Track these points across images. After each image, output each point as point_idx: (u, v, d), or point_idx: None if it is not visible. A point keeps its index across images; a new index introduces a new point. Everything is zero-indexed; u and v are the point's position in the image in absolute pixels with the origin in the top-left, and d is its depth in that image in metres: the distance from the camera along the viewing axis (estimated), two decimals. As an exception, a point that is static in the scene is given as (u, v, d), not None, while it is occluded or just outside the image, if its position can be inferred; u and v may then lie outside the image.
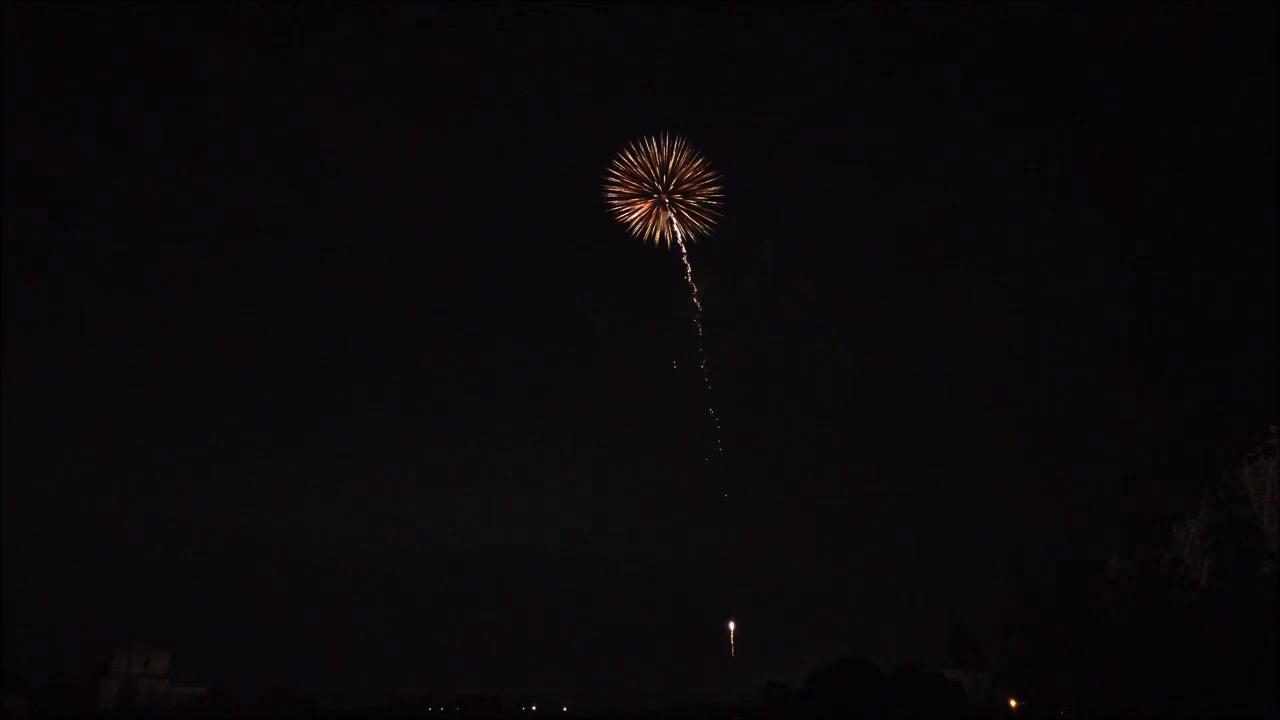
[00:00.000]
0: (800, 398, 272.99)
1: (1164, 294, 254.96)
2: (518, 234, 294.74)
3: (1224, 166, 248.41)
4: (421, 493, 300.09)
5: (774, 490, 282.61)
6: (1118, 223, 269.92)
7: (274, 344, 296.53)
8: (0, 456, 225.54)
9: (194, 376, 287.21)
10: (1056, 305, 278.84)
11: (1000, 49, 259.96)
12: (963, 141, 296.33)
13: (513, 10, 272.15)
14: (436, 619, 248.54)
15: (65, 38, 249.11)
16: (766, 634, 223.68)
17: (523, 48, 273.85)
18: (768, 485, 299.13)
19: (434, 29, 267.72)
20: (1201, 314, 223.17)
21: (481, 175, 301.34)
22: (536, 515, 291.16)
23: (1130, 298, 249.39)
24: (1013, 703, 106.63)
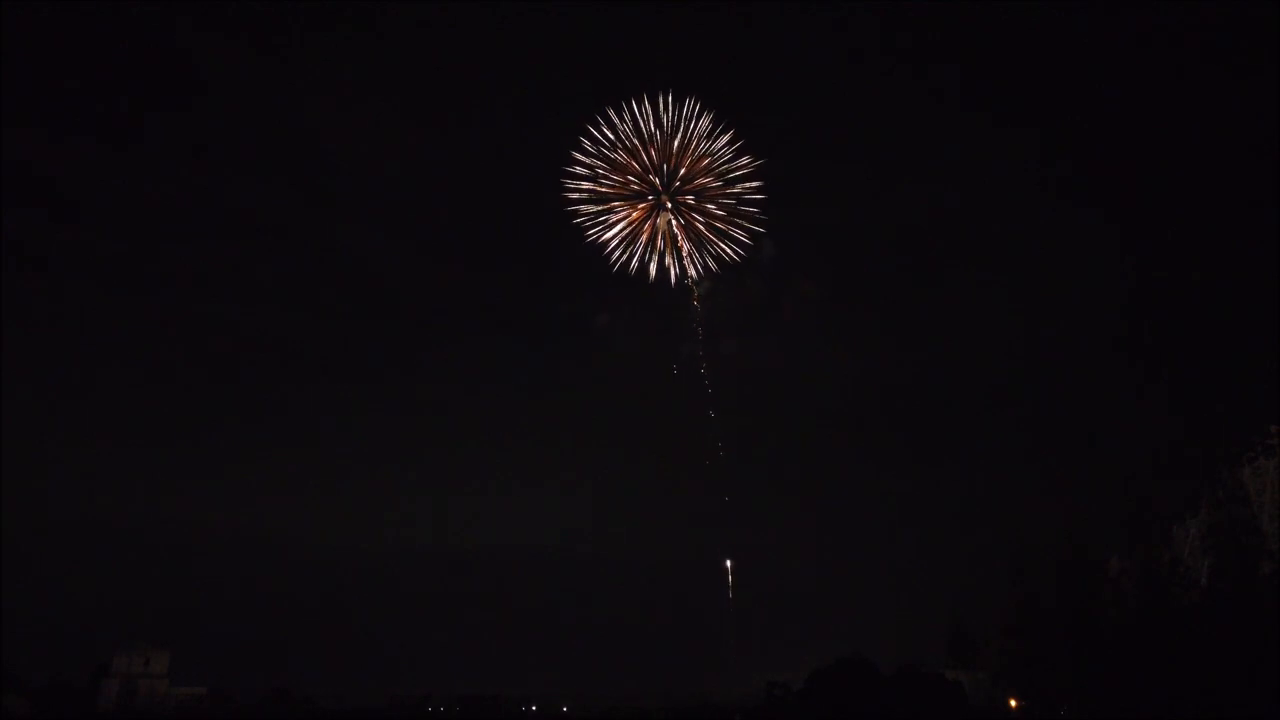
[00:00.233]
0: (800, 398, 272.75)
1: (1164, 294, 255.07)
2: (518, 234, 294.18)
3: (1224, 166, 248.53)
4: (421, 493, 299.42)
5: (774, 490, 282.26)
6: (1118, 223, 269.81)
7: (274, 344, 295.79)
8: (0, 456, 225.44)
9: (194, 376, 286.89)
10: (1056, 305, 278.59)
11: (1000, 49, 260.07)
12: (963, 141, 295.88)
13: (513, 10, 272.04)
14: (436, 619, 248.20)
15: (65, 38, 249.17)
16: (766, 634, 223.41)
17: (523, 48, 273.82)
18: (768, 485, 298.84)
19: (434, 29, 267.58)
20: (1201, 314, 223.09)
21: (481, 175, 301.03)
22: (536, 515, 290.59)
23: (1130, 298, 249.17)
24: (1013, 703, 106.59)
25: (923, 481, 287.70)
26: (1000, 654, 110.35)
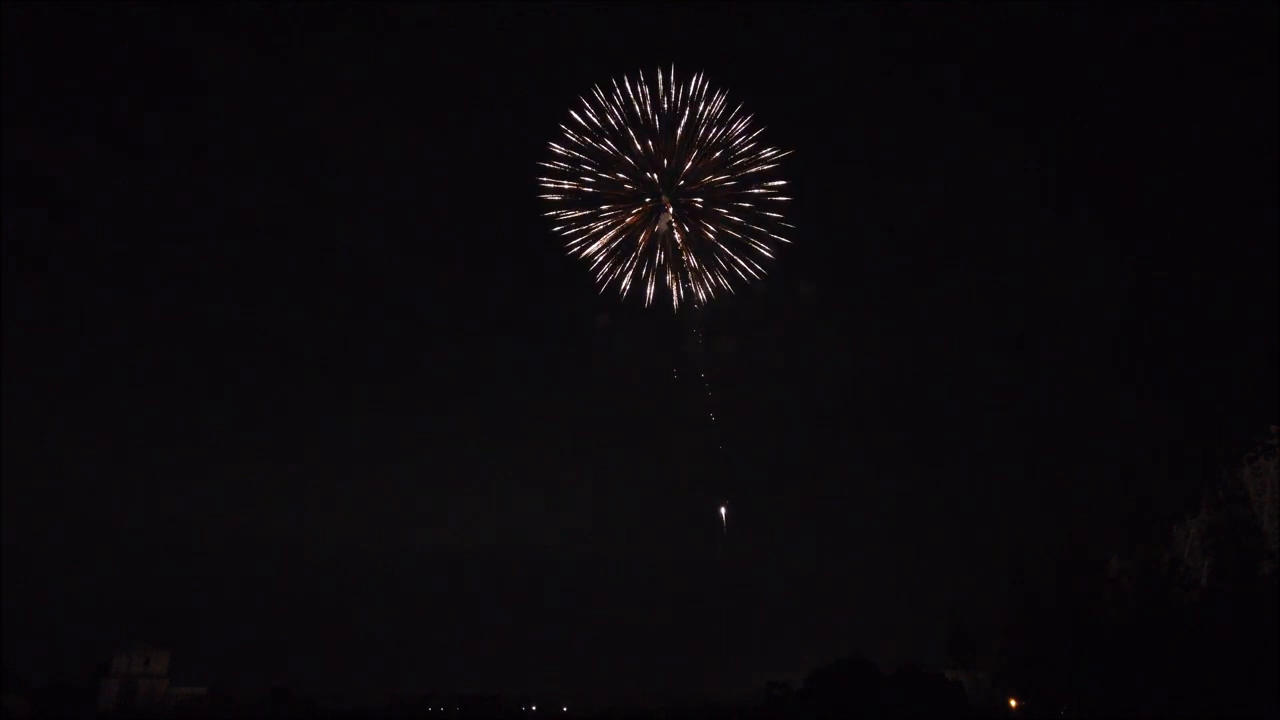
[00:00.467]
0: (800, 398, 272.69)
1: (1164, 294, 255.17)
2: (518, 234, 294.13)
3: (1224, 166, 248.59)
4: (421, 493, 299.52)
5: (774, 490, 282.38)
6: (1118, 222, 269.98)
7: (274, 344, 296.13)
8: (0, 456, 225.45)
9: (194, 376, 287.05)
10: (1056, 305, 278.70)
11: (1000, 49, 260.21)
12: (963, 141, 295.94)
13: (513, 10, 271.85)
14: (436, 619, 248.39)
15: (65, 38, 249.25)
16: (766, 634, 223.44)
17: (523, 48, 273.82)
18: (768, 485, 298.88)
19: (434, 29, 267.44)
20: (1201, 314, 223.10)
21: (481, 175, 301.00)
22: (536, 515, 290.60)
23: (1130, 298, 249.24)
24: (1013, 703, 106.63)
25: (923, 481, 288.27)
26: (1000, 654, 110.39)
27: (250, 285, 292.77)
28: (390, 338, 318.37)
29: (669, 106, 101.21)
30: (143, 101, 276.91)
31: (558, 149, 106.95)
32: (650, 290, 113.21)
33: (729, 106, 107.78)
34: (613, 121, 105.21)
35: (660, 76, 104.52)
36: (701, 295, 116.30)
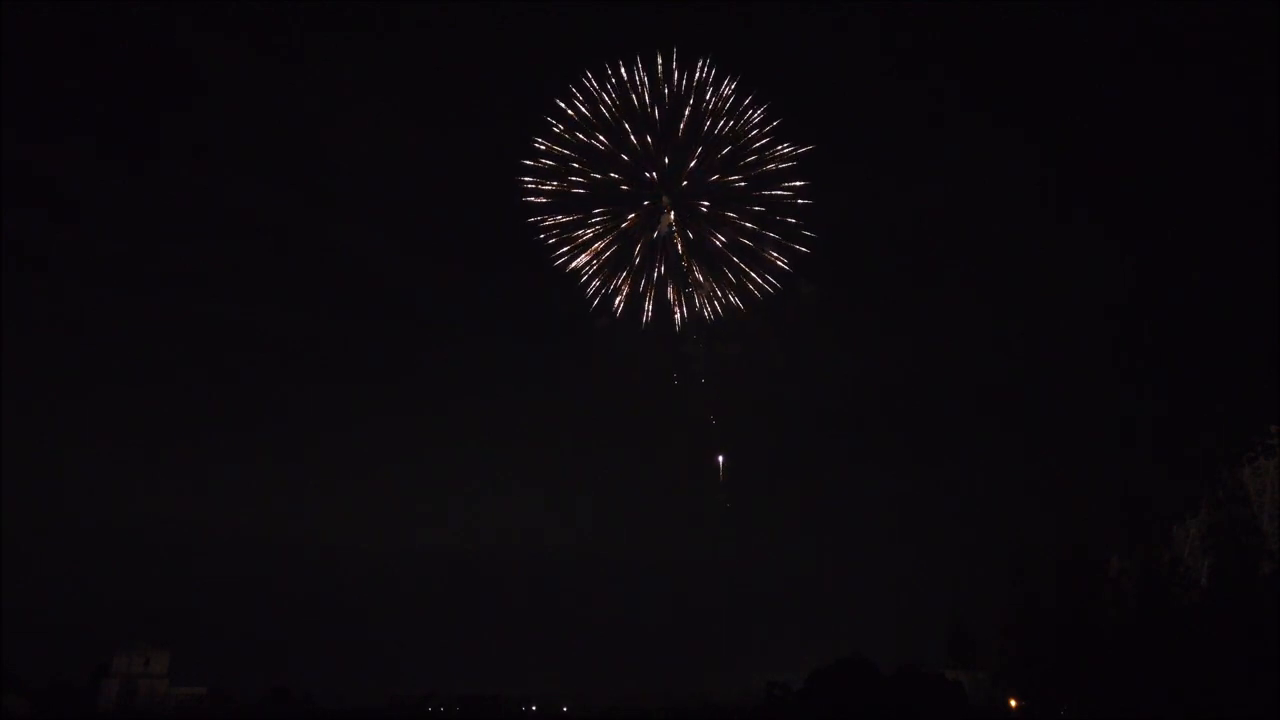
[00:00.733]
0: (800, 398, 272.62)
1: (1164, 294, 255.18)
2: (518, 234, 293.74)
3: (1224, 166, 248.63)
4: (422, 493, 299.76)
5: (774, 490, 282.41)
6: (1118, 222, 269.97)
7: (274, 344, 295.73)
8: (0, 456, 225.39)
9: (194, 376, 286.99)
10: (1056, 305, 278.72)
11: (1000, 49, 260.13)
12: (963, 141, 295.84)
13: (513, 10, 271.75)
14: (436, 619, 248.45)
15: (65, 38, 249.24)
16: (766, 634, 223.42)
17: (523, 48, 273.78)
18: (768, 485, 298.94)
19: (434, 29, 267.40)
20: (1201, 314, 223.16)
21: (481, 175, 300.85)
22: (536, 515, 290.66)
23: (1130, 298, 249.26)
24: (1013, 703, 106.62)
25: (923, 481, 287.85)
26: (1000, 654, 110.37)
27: (250, 285, 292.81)
28: (390, 338, 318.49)
29: (670, 95, 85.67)
30: (143, 101, 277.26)
31: (541, 145, 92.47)
32: (649, 305, 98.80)
33: (740, 95, 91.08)
34: (605, 113, 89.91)
35: (660, 61, 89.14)
36: (707, 312, 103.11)
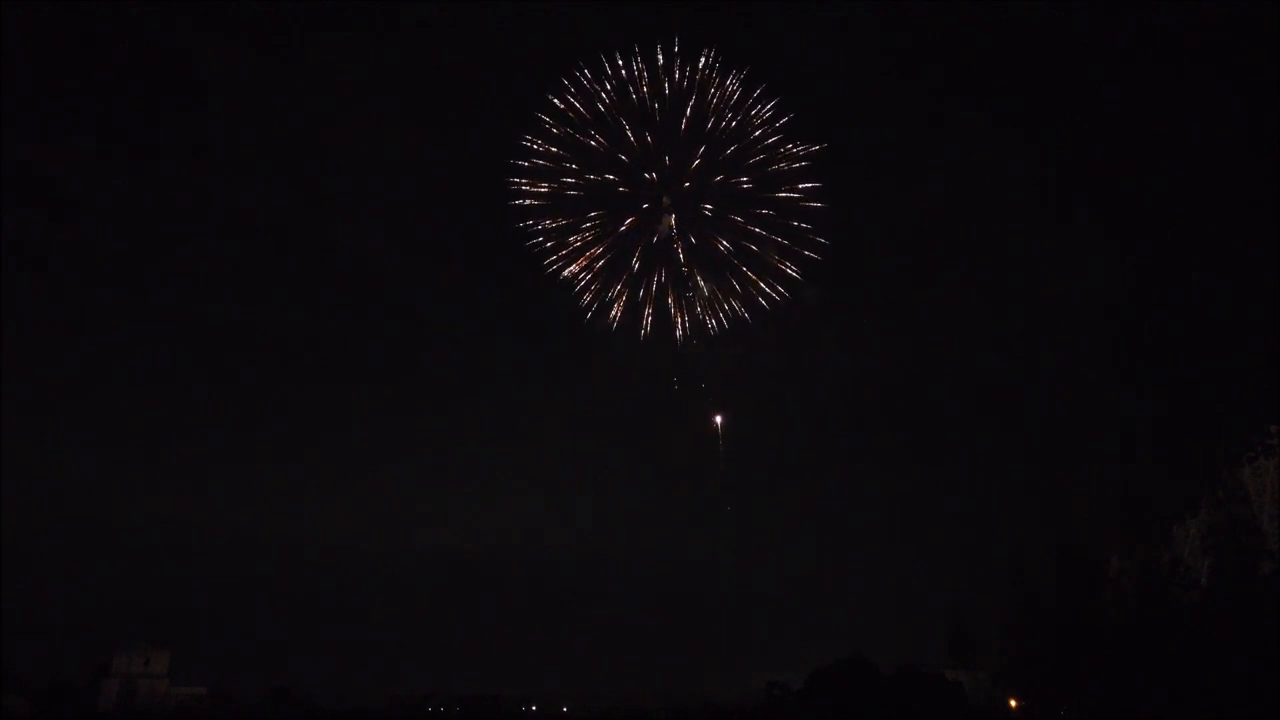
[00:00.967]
0: (800, 398, 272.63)
1: (1164, 294, 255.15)
2: (517, 234, 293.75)
3: (1224, 166, 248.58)
4: (421, 493, 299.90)
5: (774, 490, 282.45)
6: (1118, 222, 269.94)
7: (274, 344, 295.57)
8: (0, 456, 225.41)
9: (194, 376, 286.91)
10: (1056, 305, 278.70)
11: (1000, 49, 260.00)
12: (963, 141, 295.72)
13: (513, 10, 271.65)
14: (436, 619, 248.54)
15: (65, 38, 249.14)
16: (766, 634, 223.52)
17: (523, 48, 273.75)
18: (768, 485, 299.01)
19: (434, 29, 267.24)
20: (1201, 314, 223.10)
21: (481, 175, 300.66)
22: (536, 515, 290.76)
23: (1130, 298, 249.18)
24: (1013, 703, 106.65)
25: (923, 481, 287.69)
26: (1000, 654, 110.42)
27: (250, 285, 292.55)
28: (390, 338, 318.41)
29: (671, 90, 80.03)
30: (143, 101, 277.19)
31: (533, 144, 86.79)
32: (649, 315, 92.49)
33: (746, 90, 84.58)
34: (602, 109, 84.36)
35: (660, 54, 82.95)
36: (710, 323, 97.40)
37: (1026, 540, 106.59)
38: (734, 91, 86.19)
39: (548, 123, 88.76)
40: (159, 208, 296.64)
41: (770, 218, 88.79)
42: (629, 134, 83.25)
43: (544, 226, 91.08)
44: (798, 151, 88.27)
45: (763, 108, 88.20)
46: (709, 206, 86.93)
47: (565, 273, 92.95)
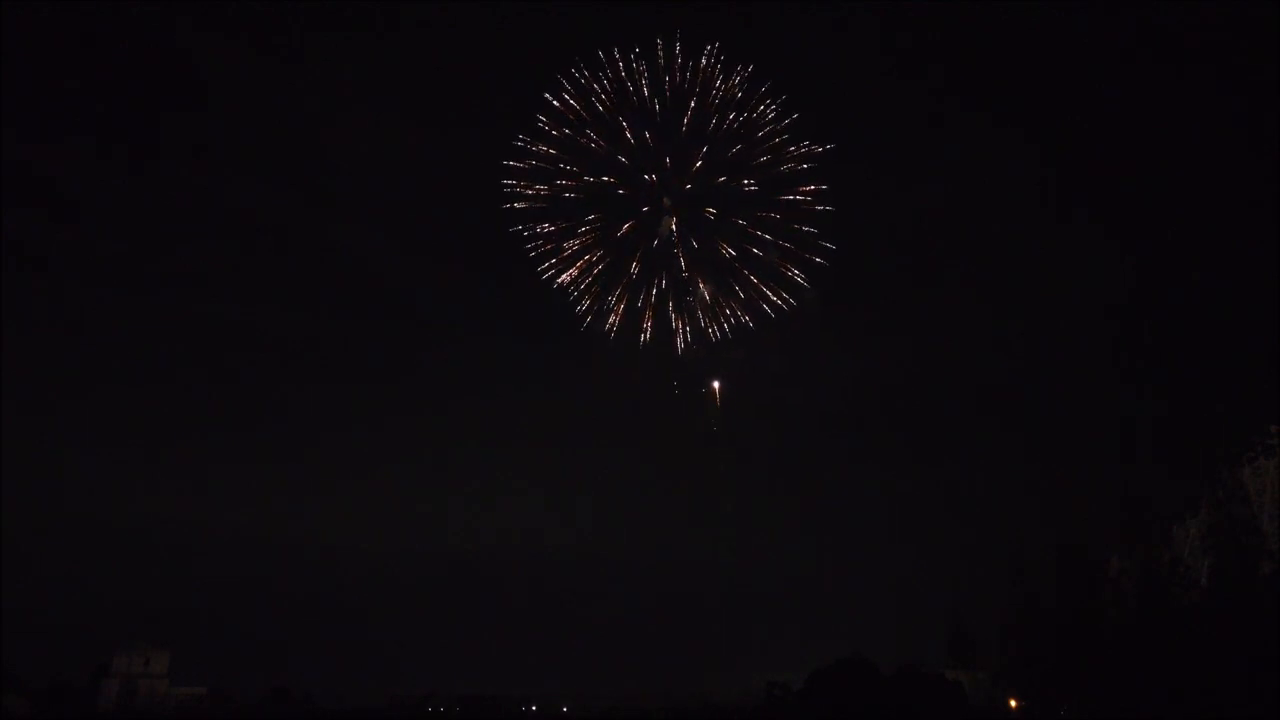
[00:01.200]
0: (800, 398, 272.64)
1: (1164, 294, 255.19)
2: (518, 234, 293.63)
3: (1224, 167, 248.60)
4: (421, 493, 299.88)
5: (774, 490, 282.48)
6: (1117, 222, 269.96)
7: (274, 344, 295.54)
8: (0, 456, 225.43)
9: (194, 376, 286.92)
10: (1056, 305, 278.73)
11: (1000, 49, 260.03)
12: (963, 141, 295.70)
13: (513, 10, 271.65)
14: (436, 619, 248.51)
15: (65, 38, 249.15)
16: (766, 634, 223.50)
17: (523, 48, 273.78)
18: (768, 485, 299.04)
19: (434, 29, 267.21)
20: (1201, 314, 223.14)
21: (481, 175, 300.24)
22: (536, 515, 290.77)
23: (1130, 297, 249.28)
24: (1013, 703, 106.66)
25: (923, 481, 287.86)
26: (1000, 654, 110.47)
27: (250, 285, 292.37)
28: (390, 338, 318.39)
29: (672, 87, 76.80)
30: (143, 101, 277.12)
31: (527, 144, 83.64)
32: (648, 323, 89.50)
33: (752, 87, 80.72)
34: (600, 107, 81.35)
35: (660, 47, 79.58)
36: (713, 331, 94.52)
37: (1026, 540, 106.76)
38: (738, 88, 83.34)
39: (543, 123, 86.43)
40: (159, 208, 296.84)
41: (775, 221, 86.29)
42: (628, 134, 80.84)
43: (540, 231, 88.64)
44: (805, 152, 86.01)
45: (768, 106, 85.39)
46: (712, 210, 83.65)
47: (562, 278, 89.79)
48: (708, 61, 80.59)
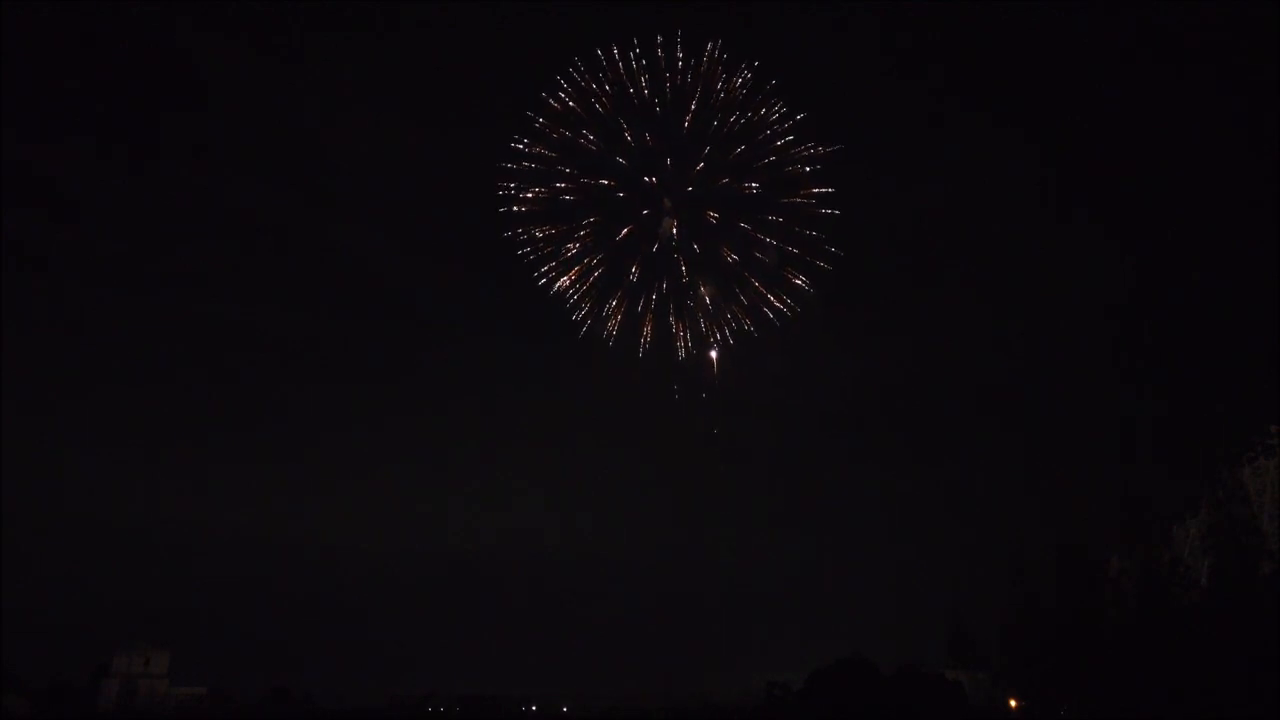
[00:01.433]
0: (800, 398, 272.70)
1: (1163, 294, 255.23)
2: (516, 235, 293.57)
3: (1224, 167, 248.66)
4: (421, 493, 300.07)
5: (774, 490, 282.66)
6: (1117, 222, 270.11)
7: (274, 344, 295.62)
8: (0, 456, 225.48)
9: (194, 376, 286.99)
10: (1056, 305, 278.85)
11: (1000, 49, 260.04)
12: (963, 141, 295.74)
13: (513, 10, 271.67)
14: (436, 619, 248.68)
15: (65, 38, 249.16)
16: (766, 634, 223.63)
17: (523, 48, 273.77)
18: (768, 485, 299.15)
19: (434, 29, 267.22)
20: (1201, 314, 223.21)
21: (481, 175, 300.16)
22: (536, 515, 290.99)
23: (1130, 298, 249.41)
24: (1013, 703, 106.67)
25: (923, 481, 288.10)
26: (1000, 654, 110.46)
27: (250, 285, 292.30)
28: (390, 338, 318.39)
29: (673, 85, 74.86)
30: (143, 101, 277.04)
31: (522, 145, 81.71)
32: (648, 331, 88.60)
33: (756, 86, 78.16)
34: (598, 106, 79.57)
35: (660, 43, 77.59)
36: (714, 338, 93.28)
37: (1026, 540, 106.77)
38: (741, 89, 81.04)
39: (540, 122, 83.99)
40: (159, 208, 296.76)
41: (780, 225, 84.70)
42: (627, 134, 78.75)
43: (536, 234, 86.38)
44: (811, 154, 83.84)
45: (773, 106, 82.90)
46: (714, 214, 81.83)
47: (560, 283, 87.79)
48: (710, 60, 78.92)
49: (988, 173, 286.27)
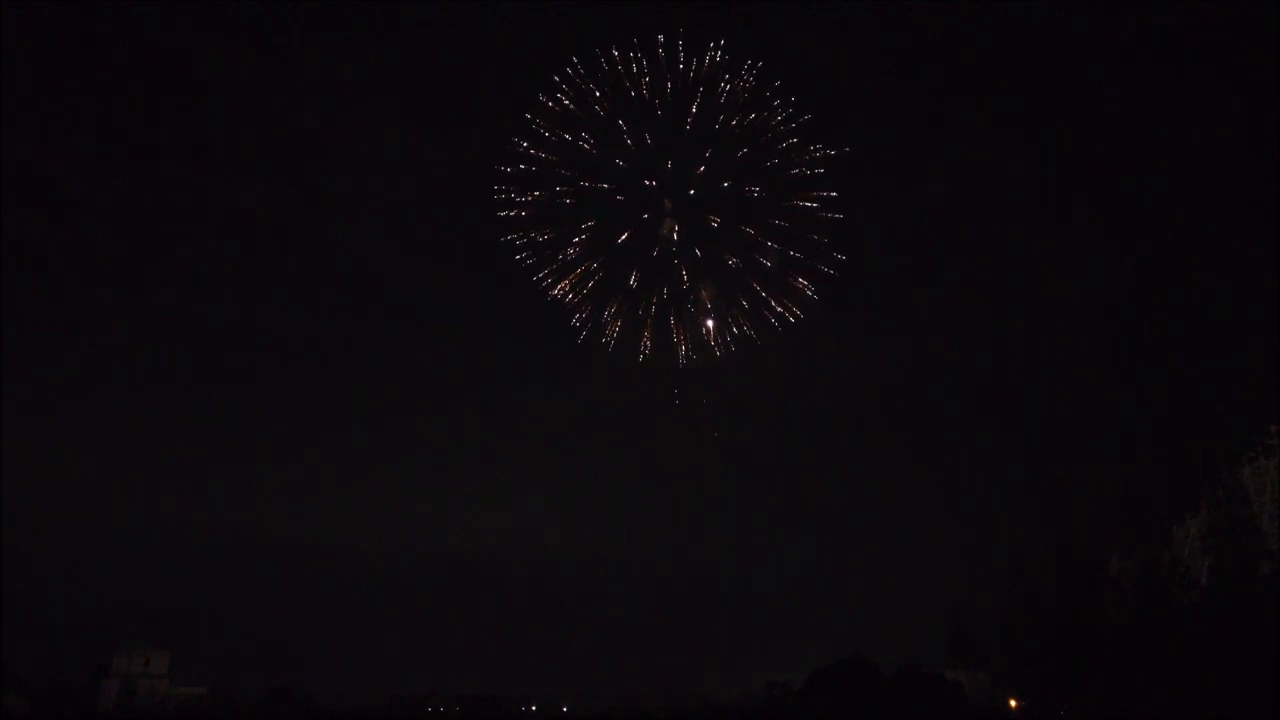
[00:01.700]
0: (800, 398, 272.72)
1: (1163, 294, 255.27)
2: (511, 242, 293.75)
3: (1224, 167, 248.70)
4: (421, 493, 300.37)
5: (774, 490, 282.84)
6: (1117, 222, 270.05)
7: (274, 344, 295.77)
8: (0, 456, 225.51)
9: (194, 376, 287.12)
10: (1056, 305, 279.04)
11: (1000, 49, 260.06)
12: (963, 141, 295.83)
13: (513, 10, 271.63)
14: (436, 619, 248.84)
15: (65, 38, 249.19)
16: (766, 634, 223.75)
17: (523, 48, 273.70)
18: (768, 485, 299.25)
19: (434, 29, 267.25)
20: (1201, 314, 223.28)
21: (481, 175, 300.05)
22: (536, 515, 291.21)
23: (1129, 298, 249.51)
24: (1013, 703, 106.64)
25: (923, 481, 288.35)
26: (1000, 654, 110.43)
27: (250, 285, 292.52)
28: (390, 338, 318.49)
29: (673, 85, 69.93)
30: (143, 101, 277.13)
31: (521, 146, 77.25)
32: (648, 336, 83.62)
33: (759, 86, 73.82)
34: (597, 108, 75.17)
35: (662, 42, 73.16)
36: (715, 345, 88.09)
37: (1026, 540, 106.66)
38: (745, 89, 77.30)
39: (537, 124, 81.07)
40: (159, 208, 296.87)
41: (783, 229, 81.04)
42: (626, 136, 74.75)
43: (533, 239, 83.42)
44: (816, 156, 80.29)
45: (777, 107, 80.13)
46: (716, 219, 77.92)
47: (558, 288, 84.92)
48: (711, 60, 75.49)
49: (988, 173, 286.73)
